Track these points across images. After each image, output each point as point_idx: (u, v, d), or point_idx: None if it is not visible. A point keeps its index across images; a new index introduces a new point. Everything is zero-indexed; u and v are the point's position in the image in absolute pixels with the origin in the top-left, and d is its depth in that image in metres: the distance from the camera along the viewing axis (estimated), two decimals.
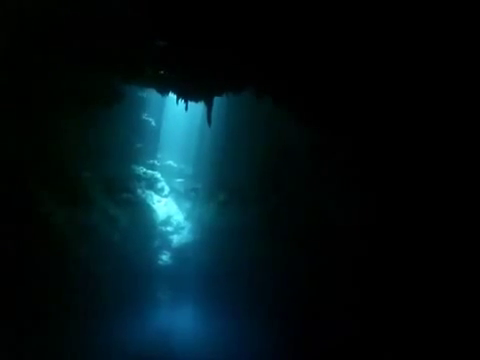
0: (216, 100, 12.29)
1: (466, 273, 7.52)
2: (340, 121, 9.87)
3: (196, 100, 12.09)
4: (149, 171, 19.75)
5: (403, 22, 7.22)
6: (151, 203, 18.42)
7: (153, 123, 21.52)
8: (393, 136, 8.74)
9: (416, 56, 7.50)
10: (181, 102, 11.93)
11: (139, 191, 17.92)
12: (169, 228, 18.14)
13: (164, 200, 19.90)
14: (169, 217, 18.64)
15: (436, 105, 7.65)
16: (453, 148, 7.63)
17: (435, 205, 8.14)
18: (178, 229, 18.37)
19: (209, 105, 12.05)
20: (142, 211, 17.25)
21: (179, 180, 22.43)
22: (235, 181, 16.79)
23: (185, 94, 11.66)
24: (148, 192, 18.71)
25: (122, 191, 16.45)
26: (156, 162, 21.51)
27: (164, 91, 12.83)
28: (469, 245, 7.50)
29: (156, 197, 19.43)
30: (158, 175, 20.37)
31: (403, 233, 8.96)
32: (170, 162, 24.22)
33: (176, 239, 17.63)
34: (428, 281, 8.27)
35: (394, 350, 8.66)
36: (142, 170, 19.23)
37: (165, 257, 16.41)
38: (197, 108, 13.75)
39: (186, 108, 11.95)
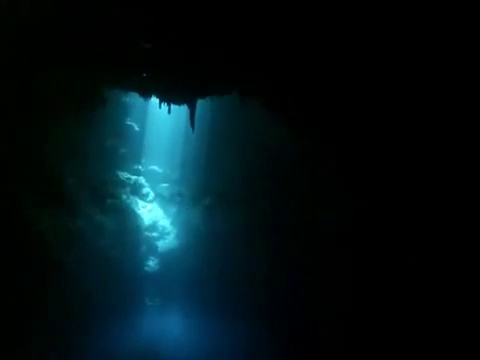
0: (200, 102, 12.23)
1: (460, 275, 7.59)
2: (331, 125, 9.89)
3: (179, 103, 12.00)
4: (133, 176, 19.55)
5: (395, 27, 7.31)
6: (136, 209, 18.19)
7: (136, 128, 21.35)
8: (386, 141, 8.79)
9: (411, 61, 7.59)
10: (164, 106, 11.85)
11: (124, 197, 17.69)
12: (155, 233, 17.94)
13: (149, 205, 19.70)
14: (155, 222, 18.46)
15: (428, 112, 7.76)
16: (445, 154, 7.74)
17: (427, 209, 8.22)
18: (164, 234, 18.19)
19: (192, 108, 11.98)
20: (127, 217, 17.01)
21: (164, 185, 22.22)
22: (221, 185, 16.71)
23: (168, 97, 11.57)
24: (133, 198, 18.48)
25: (107, 197, 16.24)
26: (140, 167, 21.34)
27: (147, 94, 12.72)
28: (462, 248, 7.58)
29: (141, 203, 19.22)
30: (142, 180, 20.19)
31: (396, 238, 9.00)
32: (154, 167, 24.00)
33: (162, 244, 17.46)
34: (422, 284, 8.31)
35: (389, 351, 8.68)
36: (126, 175, 19.00)
37: (152, 263, 16.22)
38: (181, 111, 13.66)
39: (169, 111, 11.88)
